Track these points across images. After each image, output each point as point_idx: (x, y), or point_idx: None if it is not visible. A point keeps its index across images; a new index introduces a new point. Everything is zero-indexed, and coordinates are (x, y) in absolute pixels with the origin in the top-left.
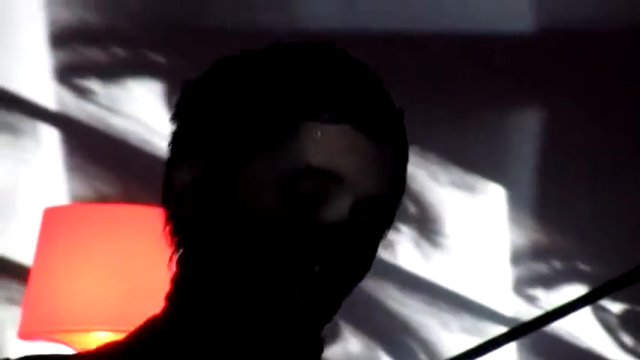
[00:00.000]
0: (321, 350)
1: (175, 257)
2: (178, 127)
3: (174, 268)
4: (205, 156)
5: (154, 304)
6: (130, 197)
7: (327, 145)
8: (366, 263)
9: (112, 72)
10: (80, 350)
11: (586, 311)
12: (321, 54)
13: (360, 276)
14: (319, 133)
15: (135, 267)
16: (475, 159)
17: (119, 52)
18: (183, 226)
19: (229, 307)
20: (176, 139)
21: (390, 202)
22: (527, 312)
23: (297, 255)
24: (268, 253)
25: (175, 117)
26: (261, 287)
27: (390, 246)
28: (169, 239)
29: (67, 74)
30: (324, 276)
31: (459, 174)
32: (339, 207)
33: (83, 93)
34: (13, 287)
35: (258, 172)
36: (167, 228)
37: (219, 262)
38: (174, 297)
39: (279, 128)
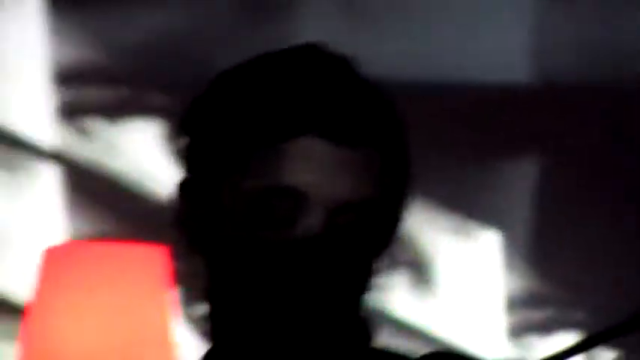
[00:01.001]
0: (368, 338)
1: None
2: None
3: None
4: (191, 181)
5: (152, 343)
6: (129, 235)
7: (287, 162)
8: (357, 271)
9: (112, 112)
10: None
11: None
12: (299, 64)
13: (356, 284)
14: (284, 151)
15: (133, 305)
16: (470, 205)
17: (120, 92)
18: (199, 252)
19: (246, 343)
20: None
21: (374, 205)
22: (520, 359)
23: (286, 283)
24: (256, 283)
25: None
26: (263, 318)
27: (384, 290)
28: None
29: (67, 113)
30: (321, 295)
31: (453, 219)
32: (309, 221)
33: (82, 132)
34: (11, 324)
35: (233, 195)
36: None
37: (222, 293)
38: (209, 332)
39: (242, 152)
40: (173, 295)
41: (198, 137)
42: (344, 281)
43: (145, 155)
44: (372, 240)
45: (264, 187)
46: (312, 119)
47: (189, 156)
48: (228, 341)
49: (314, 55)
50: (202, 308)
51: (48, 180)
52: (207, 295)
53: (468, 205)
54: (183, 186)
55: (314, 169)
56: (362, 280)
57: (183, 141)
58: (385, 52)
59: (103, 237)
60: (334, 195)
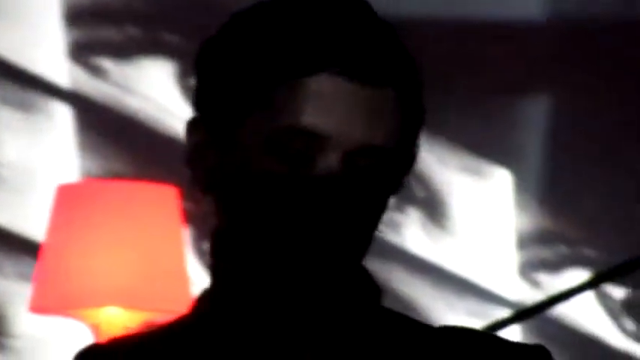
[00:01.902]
0: (378, 293)
1: (210, 223)
2: (194, 88)
3: (211, 238)
4: (205, 119)
5: (165, 280)
6: (142, 174)
7: (308, 100)
8: (372, 214)
9: (126, 51)
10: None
11: (589, 296)
12: (314, 3)
13: (369, 227)
14: (304, 89)
15: (146, 243)
16: (483, 143)
17: (133, 31)
18: (208, 190)
19: (255, 282)
20: (192, 101)
21: (391, 148)
22: (531, 296)
23: (300, 218)
24: (273, 218)
25: (194, 77)
26: (278, 258)
27: (397, 228)
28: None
29: (82, 53)
30: (334, 233)
31: (466, 158)
32: (328, 162)
33: (97, 71)
34: (25, 262)
35: (250, 133)
36: (199, 190)
37: (236, 229)
38: (213, 269)
39: (262, 89)
40: (186, 233)
41: (215, 76)
42: (357, 221)
43: (159, 94)
44: (387, 181)
45: (283, 126)
46: (332, 55)
47: (204, 94)
48: (234, 281)
49: None
50: (211, 246)
51: (62, 119)
52: (214, 234)
53: (481, 143)
54: (195, 124)
55: (333, 109)
56: (375, 220)
57: (199, 80)
58: None
59: (116, 176)
60: (353, 136)
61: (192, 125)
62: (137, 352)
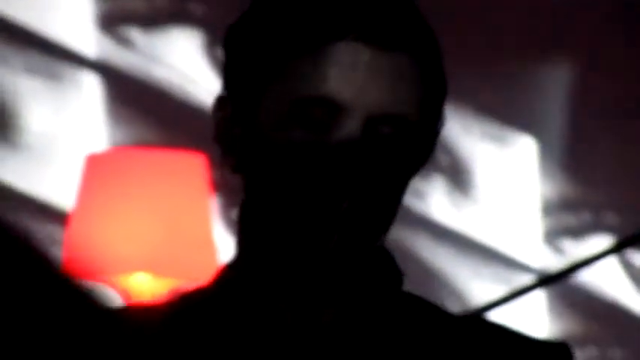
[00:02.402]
0: (399, 277)
1: (240, 198)
2: (222, 66)
3: (239, 210)
4: (230, 95)
5: (193, 248)
6: (169, 143)
7: (327, 69)
8: (395, 182)
9: (154, 21)
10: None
11: (613, 263)
12: None
13: (392, 195)
14: (324, 57)
15: (174, 211)
16: (507, 111)
17: (160, 1)
18: (237, 169)
19: (279, 254)
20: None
21: (412, 123)
22: (555, 262)
23: (321, 184)
24: (298, 187)
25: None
26: (301, 229)
27: (422, 196)
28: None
29: (109, 23)
30: (356, 202)
31: (491, 126)
32: (348, 128)
33: (124, 42)
34: (54, 230)
35: (272, 103)
36: (228, 166)
37: (260, 198)
38: (239, 240)
39: (282, 59)
40: (214, 202)
41: (239, 50)
42: (380, 188)
43: (186, 64)
44: (411, 152)
45: (303, 96)
46: (350, 22)
47: (230, 70)
48: (257, 250)
49: None
50: (238, 216)
51: (91, 88)
52: (242, 205)
53: (505, 111)
54: (222, 101)
55: (353, 76)
56: (398, 190)
57: (226, 57)
58: None
59: (144, 144)
60: (373, 103)
61: (219, 102)
62: (158, 320)
